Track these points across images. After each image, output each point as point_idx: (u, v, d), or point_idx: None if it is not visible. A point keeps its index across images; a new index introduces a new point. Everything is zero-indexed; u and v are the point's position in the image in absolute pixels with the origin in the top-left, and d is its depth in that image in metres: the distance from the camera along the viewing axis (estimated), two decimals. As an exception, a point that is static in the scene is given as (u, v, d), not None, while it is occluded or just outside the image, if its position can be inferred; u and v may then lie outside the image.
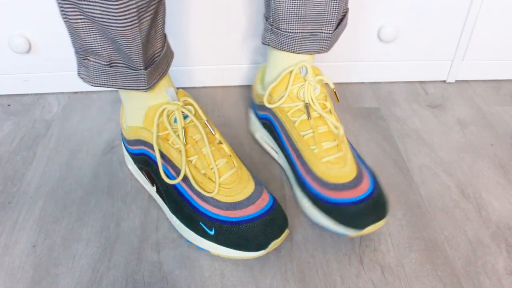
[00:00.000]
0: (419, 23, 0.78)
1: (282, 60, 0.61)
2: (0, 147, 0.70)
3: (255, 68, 0.82)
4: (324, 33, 0.57)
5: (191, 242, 0.54)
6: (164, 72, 0.54)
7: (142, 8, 0.45)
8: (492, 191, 0.61)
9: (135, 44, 0.47)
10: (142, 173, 0.59)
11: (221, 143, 0.55)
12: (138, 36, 0.46)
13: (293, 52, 0.59)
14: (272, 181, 0.63)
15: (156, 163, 0.54)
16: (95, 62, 0.51)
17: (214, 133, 0.54)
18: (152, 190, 0.59)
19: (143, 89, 0.52)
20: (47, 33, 0.75)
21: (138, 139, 0.56)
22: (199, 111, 0.54)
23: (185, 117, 0.53)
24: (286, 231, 0.51)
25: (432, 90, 0.83)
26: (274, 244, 0.49)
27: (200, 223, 0.51)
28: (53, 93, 0.82)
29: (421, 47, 0.80)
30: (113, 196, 0.61)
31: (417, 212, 0.58)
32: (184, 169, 0.51)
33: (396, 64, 0.83)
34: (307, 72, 0.57)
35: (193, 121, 0.53)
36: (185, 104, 0.54)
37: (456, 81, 0.85)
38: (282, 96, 0.58)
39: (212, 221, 0.50)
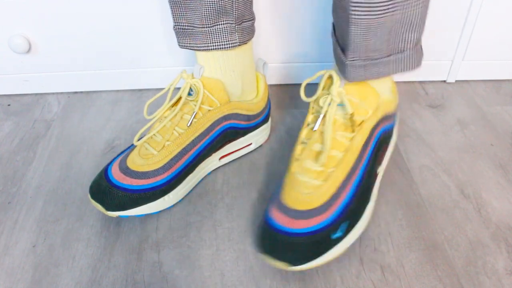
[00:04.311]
0: (419, 23, 0.78)
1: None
2: (0, 147, 0.70)
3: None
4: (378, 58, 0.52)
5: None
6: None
7: None
8: (492, 191, 0.61)
9: None
10: None
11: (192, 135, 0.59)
12: None
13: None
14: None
15: None
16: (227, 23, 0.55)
17: (188, 125, 0.57)
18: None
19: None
20: (47, 33, 0.75)
21: None
22: (199, 101, 0.57)
23: (189, 94, 0.58)
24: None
25: (432, 90, 0.83)
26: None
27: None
28: (53, 93, 0.82)
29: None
30: (113, 196, 0.61)
31: (417, 212, 0.58)
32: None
33: (396, 64, 0.83)
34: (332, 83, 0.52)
35: (188, 101, 0.58)
36: (195, 86, 0.58)
37: (456, 81, 0.85)
38: (313, 97, 0.55)
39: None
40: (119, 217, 0.56)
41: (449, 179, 0.63)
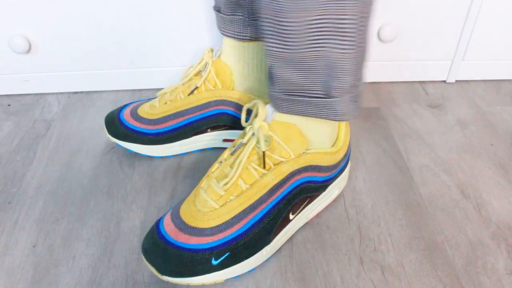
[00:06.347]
0: (419, 23, 0.78)
1: None
2: (0, 147, 0.70)
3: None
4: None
5: None
6: None
7: None
8: (492, 191, 0.61)
9: None
10: None
11: None
12: None
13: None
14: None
15: None
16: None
17: (188, 94, 0.64)
18: None
19: None
20: (47, 33, 0.75)
21: None
22: (203, 77, 0.63)
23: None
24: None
25: (432, 90, 0.83)
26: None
27: None
28: (53, 93, 0.82)
29: (421, 47, 0.80)
30: (113, 196, 0.61)
31: (417, 212, 0.58)
32: None
33: (396, 64, 0.83)
34: (257, 115, 0.51)
35: (200, 75, 0.64)
36: None
37: (456, 81, 0.85)
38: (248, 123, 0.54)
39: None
40: (117, 145, 0.67)
41: (449, 179, 0.63)
